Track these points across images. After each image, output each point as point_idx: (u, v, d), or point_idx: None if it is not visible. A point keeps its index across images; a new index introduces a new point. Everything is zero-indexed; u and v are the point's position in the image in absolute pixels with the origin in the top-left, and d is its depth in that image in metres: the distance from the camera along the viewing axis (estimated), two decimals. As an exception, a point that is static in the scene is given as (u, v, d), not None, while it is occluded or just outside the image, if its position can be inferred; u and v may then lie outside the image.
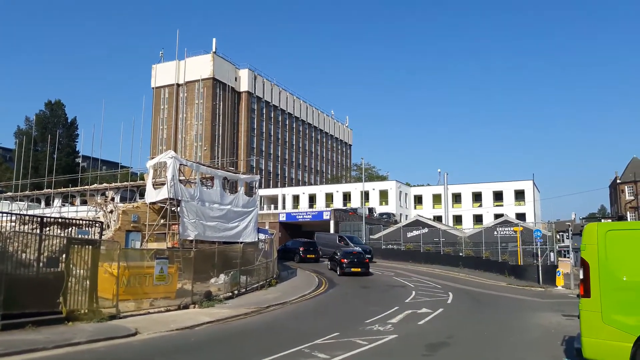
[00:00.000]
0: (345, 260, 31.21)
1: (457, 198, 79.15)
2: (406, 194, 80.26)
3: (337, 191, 77.96)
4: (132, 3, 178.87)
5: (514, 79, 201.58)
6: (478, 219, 73.01)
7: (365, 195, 60.47)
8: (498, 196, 77.34)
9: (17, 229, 18.76)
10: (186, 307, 17.49)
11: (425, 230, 44.77)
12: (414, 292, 23.28)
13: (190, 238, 25.36)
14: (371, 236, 47.33)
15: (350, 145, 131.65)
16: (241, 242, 26.72)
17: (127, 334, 12.58)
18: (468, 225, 68.72)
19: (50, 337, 11.41)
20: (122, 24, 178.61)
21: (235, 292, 20.99)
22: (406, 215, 73.11)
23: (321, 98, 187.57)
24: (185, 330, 13.74)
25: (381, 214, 65.33)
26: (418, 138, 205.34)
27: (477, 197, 78.08)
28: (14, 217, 22.68)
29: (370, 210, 62.80)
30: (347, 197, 76.55)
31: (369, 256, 37.20)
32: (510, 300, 22.10)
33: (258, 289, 23.50)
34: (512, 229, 36.63)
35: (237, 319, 16.08)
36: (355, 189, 75.03)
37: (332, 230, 51.75)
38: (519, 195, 75.62)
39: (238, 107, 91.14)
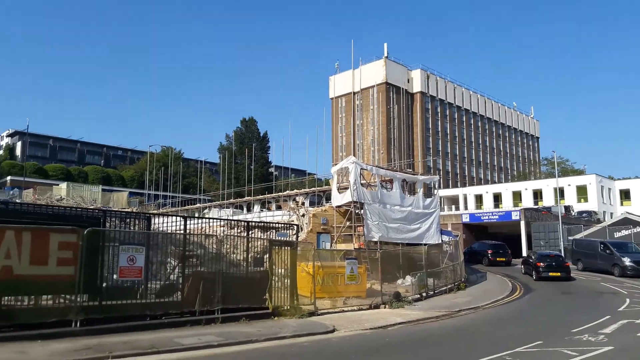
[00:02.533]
0: (541, 263, 28.74)
1: (677, 191, 67.27)
2: (609, 188, 70.79)
3: (526, 189, 72.17)
4: (309, 25, 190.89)
5: None
6: None
7: (560, 192, 54.89)
8: None
9: (227, 233, 21.26)
10: (377, 306, 17.83)
11: (638, 229, 38.93)
12: (628, 300, 20.34)
13: (375, 239, 25.87)
14: (570, 237, 42.76)
15: (537, 137, 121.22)
16: (424, 244, 26.39)
17: (326, 331, 13.26)
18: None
19: (261, 330, 12.59)
20: (299, 42, 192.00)
21: (423, 294, 20.75)
22: (611, 213, 64.53)
23: (500, 90, 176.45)
24: (379, 330, 13.97)
25: (580, 212, 58.72)
26: (619, 125, 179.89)
27: None
28: (223, 222, 25.85)
29: (567, 208, 56.85)
30: (537, 194, 70.43)
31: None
32: None
33: (446, 292, 22.90)
34: None
35: (429, 321, 15.83)
36: (547, 185, 68.67)
37: (522, 232, 48.04)
38: None
39: (412, 109, 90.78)
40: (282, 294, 15.32)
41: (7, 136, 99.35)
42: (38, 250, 10.73)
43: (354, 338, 12.87)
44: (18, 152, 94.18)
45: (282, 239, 18.71)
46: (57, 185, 60.59)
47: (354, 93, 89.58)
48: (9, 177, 69.01)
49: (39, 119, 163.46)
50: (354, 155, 77.41)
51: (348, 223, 26.63)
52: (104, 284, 11.96)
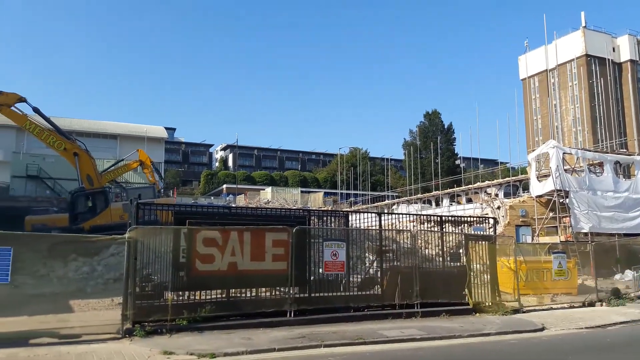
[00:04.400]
0: None
1: None
2: None
3: None
4: (488, 6, 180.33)
5: None
6: None
7: None
8: None
9: (418, 228, 21.28)
10: (591, 304, 16.15)
11: None
12: None
13: (584, 230, 23.42)
14: None
15: None
16: (648, 234, 22.91)
17: (534, 329, 12.42)
18: None
19: (463, 326, 12.33)
20: (480, 27, 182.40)
21: (650, 291, 18.00)
22: None
23: None
24: (597, 329, 12.61)
25: None
26: None
27: None
28: (413, 218, 25.88)
29: None
30: None
31: None
32: None
33: (681, 289, 19.49)
34: None
35: (661, 323, 13.70)
36: None
37: None
38: None
39: (620, 80, 79.13)
40: (481, 290, 14.79)
41: (221, 150, 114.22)
42: (256, 247, 12.15)
43: (567, 337, 11.80)
44: (230, 163, 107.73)
45: (478, 233, 18.03)
46: (263, 189, 67.57)
47: (549, 71, 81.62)
48: (224, 185, 79.09)
49: (246, 133, 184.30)
50: (553, 138, 70.70)
51: (551, 214, 24.55)
52: (312, 278, 12.99)
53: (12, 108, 24.87)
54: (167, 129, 76.38)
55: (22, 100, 24.93)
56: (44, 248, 17.67)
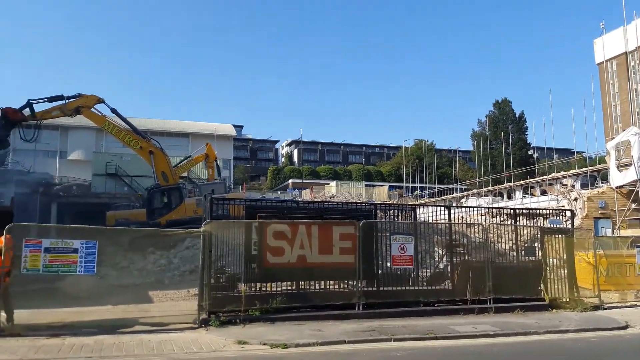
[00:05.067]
0: None
1: None
2: None
3: None
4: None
5: None
6: None
7: None
8: None
9: (489, 221, 20.66)
10: (683, 302, 15.00)
11: None
12: None
13: (674, 223, 21.73)
14: None
15: None
16: None
17: (617, 326, 11.77)
18: None
19: (539, 322, 11.87)
20: (551, 10, 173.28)
21: None
22: None
23: None
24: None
25: None
26: None
27: None
28: (483, 211, 25.16)
29: None
30: None
31: None
32: None
33: None
34: None
35: None
36: None
37: None
38: None
39: None
40: (558, 285, 14.16)
41: (287, 145, 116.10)
42: (324, 241, 12.29)
43: (654, 336, 11.07)
44: (295, 158, 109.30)
45: (554, 226, 17.24)
46: (328, 184, 68.01)
47: (628, 53, 76.27)
48: (290, 180, 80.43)
49: (310, 128, 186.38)
50: (634, 125, 66.14)
51: (634, 205, 23.01)
52: (379, 271, 12.97)
53: (92, 109, 26.51)
54: (235, 126, 78.65)
55: (100, 101, 26.51)
56: (125, 242, 18.73)
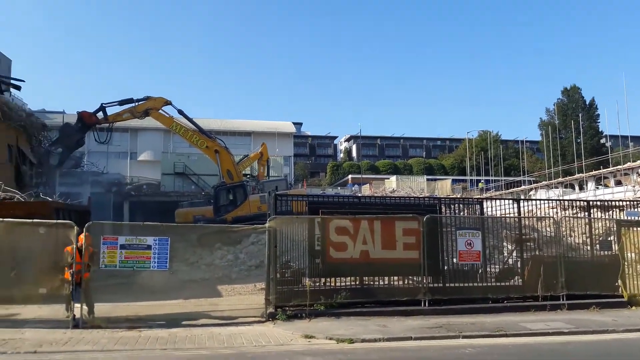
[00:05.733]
0: None
1: None
2: None
3: None
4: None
5: None
6: None
7: None
8: None
9: (561, 214, 19.74)
10: None
11: None
12: None
13: None
14: None
15: None
16: None
17: None
18: None
19: (616, 319, 11.26)
20: None
21: None
22: None
23: None
24: None
25: None
26: None
27: None
28: (554, 204, 24.08)
29: None
30: None
31: None
32: None
33: None
34: None
35: None
36: None
37: None
38: None
39: None
40: (637, 281, 13.33)
41: (345, 141, 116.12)
42: (387, 236, 12.22)
43: None
44: (354, 153, 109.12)
45: (632, 218, 16.23)
46: (388, 178, 67.40)
47: None
48: (349, 176, 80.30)
49: (368, 123, 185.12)
50: None
51: None
52: (445, 267, 12.73)
53: (160, 111, 27.70)
54: (294, 123, 79.61)
55: (168, 103, 27.65)
56: (194, 238, 19.47)
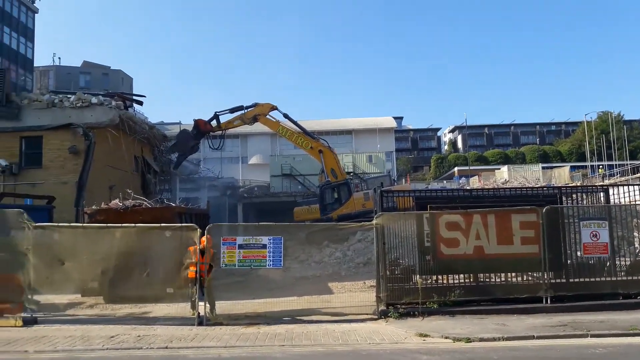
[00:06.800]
0: None
1: None
2: None
3: None
4: None
5: None
6: None
7: None
8: None
9: None
10: None
11: None
12: None
13: None
14: None
15: None
16: None
17: None
18: None
19: None
20: None
21: None
22: None
23: None
24: None
25: None
26: None
27: None
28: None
29: None
30: None
31: None
32: None
33: None
34: None
35: None
36: None
37: None
38: None
39: None
40: None
41: (449, 132, 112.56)
42: (502, 230, 11.65)
43: None
44: (459, 144, 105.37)
45: None
46: (498, 169, 64.19)
47: None
48: (456, 168, 77.70)
49: (473, 111, 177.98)
50: None
51: None
52: (568, 261, 11.86)
53: (267, 116, 28.83)
54: (395, 118, 78.72)
55: (274, 108, 28.69)
56: (302, 236, 20.00)
